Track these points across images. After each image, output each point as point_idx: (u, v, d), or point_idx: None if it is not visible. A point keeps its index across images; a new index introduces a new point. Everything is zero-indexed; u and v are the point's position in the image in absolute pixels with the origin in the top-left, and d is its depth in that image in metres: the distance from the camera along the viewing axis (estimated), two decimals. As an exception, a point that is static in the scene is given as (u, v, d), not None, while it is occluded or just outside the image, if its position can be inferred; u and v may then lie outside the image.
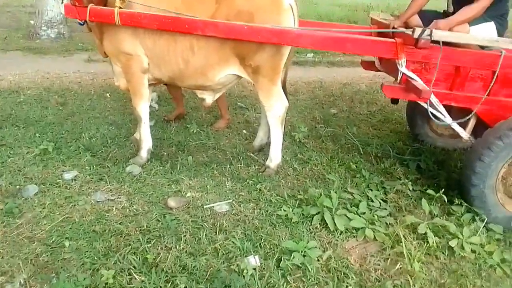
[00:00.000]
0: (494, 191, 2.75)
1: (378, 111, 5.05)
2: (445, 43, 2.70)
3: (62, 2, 3.18)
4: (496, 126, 2.78)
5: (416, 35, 2.63)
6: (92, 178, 3.08)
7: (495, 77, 2.76)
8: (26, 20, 8.94)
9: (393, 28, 3.08)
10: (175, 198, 2.86)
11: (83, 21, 3.07)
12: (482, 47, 2.91)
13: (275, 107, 3.17)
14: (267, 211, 2.80)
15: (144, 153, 3.38)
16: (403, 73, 2.81)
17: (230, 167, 3.37)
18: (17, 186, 2.89)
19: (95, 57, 6.61)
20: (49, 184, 2.95)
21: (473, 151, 2.81)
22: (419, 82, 2.78)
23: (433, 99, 2.84)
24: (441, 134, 4.04)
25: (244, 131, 4.16)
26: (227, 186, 3.09)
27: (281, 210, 2.79)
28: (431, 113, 2.86)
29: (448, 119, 2.95)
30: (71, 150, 3.46)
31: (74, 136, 3.75)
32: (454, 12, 3.04)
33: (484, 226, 2.68)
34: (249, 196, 2.97)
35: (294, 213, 2.73)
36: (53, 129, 3.86)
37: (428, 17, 3.15)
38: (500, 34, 3.02)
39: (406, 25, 3.16)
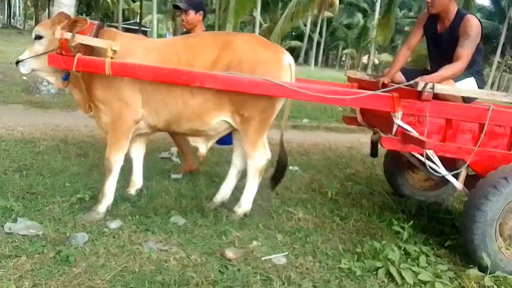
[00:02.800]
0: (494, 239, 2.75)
1: (392, 173, 5.18)
2: (434, 97, 2.79)
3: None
4: (487, 177, 2.79)
5: (420, 88, 2.70)
6: (138, 227, 2.93)
7: (484, 129, 2.85)
8: (19, 76, 8.83)
9: (383, 84, 3.18)
10: (233, 249, 2.76)
11: (66, 75, 2.95)
12: (465, 101, 3.05)
13: (257, 157, 3.20)
14: (328, 264, 2.73)
15: (102, 208, 3.05)
16: (398, 125, 2.88)
17: (272, 221, 3.31)
18: (66, 234, 2.70)
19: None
20: (96, 233, 2.77)
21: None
22: (415, 134, 2.84)
23: (429, 151, 2.87)
24: (419, 188, 4.18)
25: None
26: (278, 239, 3.01)
27: (341, 263, 2.73)
28: (429, 166, 2.89)
29: (443, 170, 2.96)
30: (107, 200, 3.31)
31: (105, 187, 3.59)
32: (431, 70, 3.24)
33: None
34: (303, 249, 2.90)
35: (356, 267, 2.68)
36: (81, 179, 3.70)
37: (410, 74, 3.32)
38: (480, 88, 3.22)
39: (392, 82, 3.28)
